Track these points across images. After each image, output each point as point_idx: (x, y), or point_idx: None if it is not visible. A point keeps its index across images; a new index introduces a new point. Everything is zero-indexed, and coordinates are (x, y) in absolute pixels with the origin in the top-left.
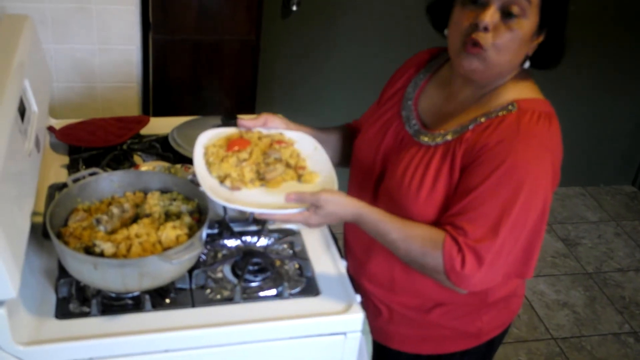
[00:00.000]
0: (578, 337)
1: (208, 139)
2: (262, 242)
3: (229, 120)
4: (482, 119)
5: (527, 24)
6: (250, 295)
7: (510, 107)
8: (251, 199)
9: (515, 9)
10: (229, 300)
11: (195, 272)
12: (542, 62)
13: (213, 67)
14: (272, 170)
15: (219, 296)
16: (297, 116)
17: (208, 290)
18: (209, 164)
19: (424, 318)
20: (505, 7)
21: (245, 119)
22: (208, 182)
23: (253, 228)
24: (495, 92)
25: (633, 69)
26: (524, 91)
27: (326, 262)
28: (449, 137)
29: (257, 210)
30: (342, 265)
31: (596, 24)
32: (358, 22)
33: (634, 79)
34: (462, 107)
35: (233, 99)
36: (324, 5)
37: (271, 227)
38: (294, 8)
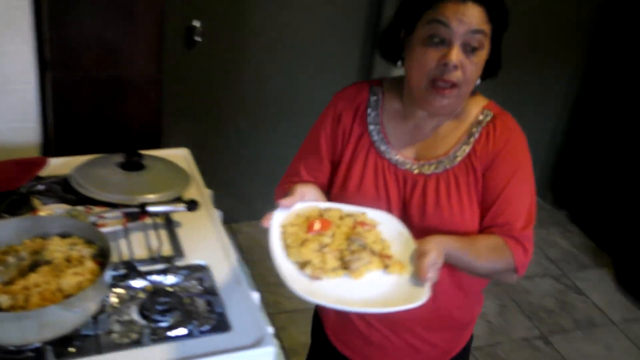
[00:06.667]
0: (492, 346)
1: (285, 217)
2: (170, 280)
3: (132, 156)
4: (475, 131)
5: (484, 53)
6: (159, 336)
7: (486, 113)
8: (332, 291)
9: (475, 43)
10: (138, 343)
11: (101, 317)
12: (485, 75)
13: (115, 103)
14: (357, 259)
15: (126, 340)
16: (204, 148)
17: (115, 335)
18: (287, 247)
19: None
20: (466, 44)
21: (284, 200)
22: (287, 270)
23: (159, 267)
24: (464, 110)
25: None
26: (477, 99)
27: (237, 296)
28: (458, 158)
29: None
30: (254, 297)
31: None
32: (263, 50)
33: (550, 91)
34: (439, 132)
35: (137, 135)
36: (229, 35)
37: (179, 263)
38: (198, 39)
